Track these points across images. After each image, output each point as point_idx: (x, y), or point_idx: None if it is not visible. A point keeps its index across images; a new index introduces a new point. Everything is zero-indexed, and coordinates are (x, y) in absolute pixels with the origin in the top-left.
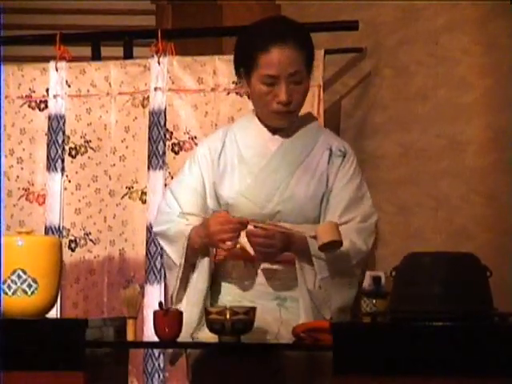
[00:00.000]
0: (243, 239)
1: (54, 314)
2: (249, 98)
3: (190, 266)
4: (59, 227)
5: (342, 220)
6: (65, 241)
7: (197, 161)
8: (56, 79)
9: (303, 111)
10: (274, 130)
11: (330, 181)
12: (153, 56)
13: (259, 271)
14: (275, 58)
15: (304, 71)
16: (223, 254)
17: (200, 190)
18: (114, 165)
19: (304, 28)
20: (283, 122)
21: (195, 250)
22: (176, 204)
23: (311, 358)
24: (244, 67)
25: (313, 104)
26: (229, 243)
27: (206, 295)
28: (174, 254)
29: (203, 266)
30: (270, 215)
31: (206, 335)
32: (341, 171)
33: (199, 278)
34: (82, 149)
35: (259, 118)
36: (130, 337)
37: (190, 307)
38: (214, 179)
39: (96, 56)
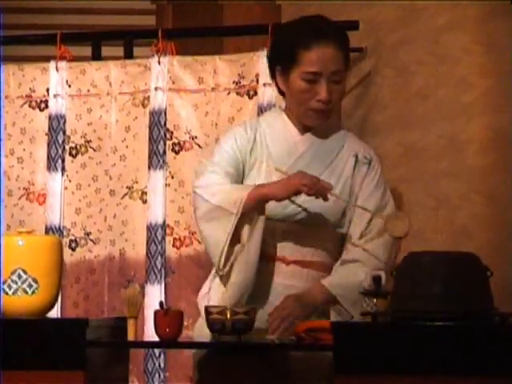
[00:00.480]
0: None
1: (54, 313)
2: (249, 97)
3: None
4: (59, 227)
5: (368, 230)
6: (65, 240)
7: (229, 149)
8: (56, 79)
9: None
10: (303, 130)
11: (355, 188)
12: (153, 56)
13: (272, 271)
14: (318, 55)
15: (343, 70)
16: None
17: (239, 158)
18: (115, 164)
19: (344, 28)
20: (320, 120)
21: (253, 206)
22: (219, 169)
23: (318, 360)
24: (282, 64)
25: None
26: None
27: (255, 271)
28: (231, 204)
29: (258, 228)
30: (292, 215)
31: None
32: (366, 179)
33: (251, 248)
34: (83, 148)
35: (289, 117)
36: (130, 336)
37: (240, 281)
38: (242, 170)
39: (96, 56)
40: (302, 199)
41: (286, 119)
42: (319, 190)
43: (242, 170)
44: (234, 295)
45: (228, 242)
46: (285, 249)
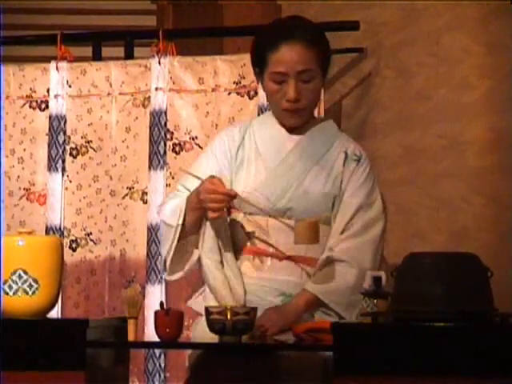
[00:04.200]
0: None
1: (54, 314)
2: (250, 98)
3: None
4: (60, 227)
5: (348, 226)
6: (66, 241)
7: (214, 150)
8: (57, 79)
9: None
10: (290, 129)
11: (343, 184)
12: (154, 56)
13: (266, 267)
14: (283, 55)
15: (315, 69)
16: None
17: (227, 157)
18: (115, 165)
19: (316, 26)
20: (293, 120)
21: (194, 212)
22: (182, 188)
23: (318, 361)
24: (258, 67)
25: None
26: (213, 214)
27: (220, 269)
28: (172, 218)
29: (207, 231)
30: (282, 211)
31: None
32: (354, 175)
33: (202, 253)
34: (83, 149)
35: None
36: (130, 337)
37: (215, 284)
38: (229, 171)
39: (97, 56)
40: (289, 196)
41: (275, 119)
42: (227, 201)
43: (227, 173)
44: (220, 297)
45: (171, 254)
46: (278, 245)
